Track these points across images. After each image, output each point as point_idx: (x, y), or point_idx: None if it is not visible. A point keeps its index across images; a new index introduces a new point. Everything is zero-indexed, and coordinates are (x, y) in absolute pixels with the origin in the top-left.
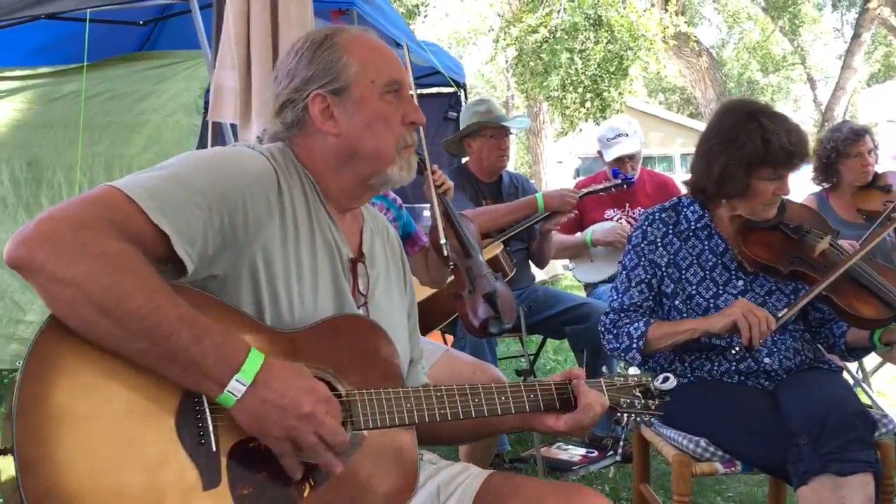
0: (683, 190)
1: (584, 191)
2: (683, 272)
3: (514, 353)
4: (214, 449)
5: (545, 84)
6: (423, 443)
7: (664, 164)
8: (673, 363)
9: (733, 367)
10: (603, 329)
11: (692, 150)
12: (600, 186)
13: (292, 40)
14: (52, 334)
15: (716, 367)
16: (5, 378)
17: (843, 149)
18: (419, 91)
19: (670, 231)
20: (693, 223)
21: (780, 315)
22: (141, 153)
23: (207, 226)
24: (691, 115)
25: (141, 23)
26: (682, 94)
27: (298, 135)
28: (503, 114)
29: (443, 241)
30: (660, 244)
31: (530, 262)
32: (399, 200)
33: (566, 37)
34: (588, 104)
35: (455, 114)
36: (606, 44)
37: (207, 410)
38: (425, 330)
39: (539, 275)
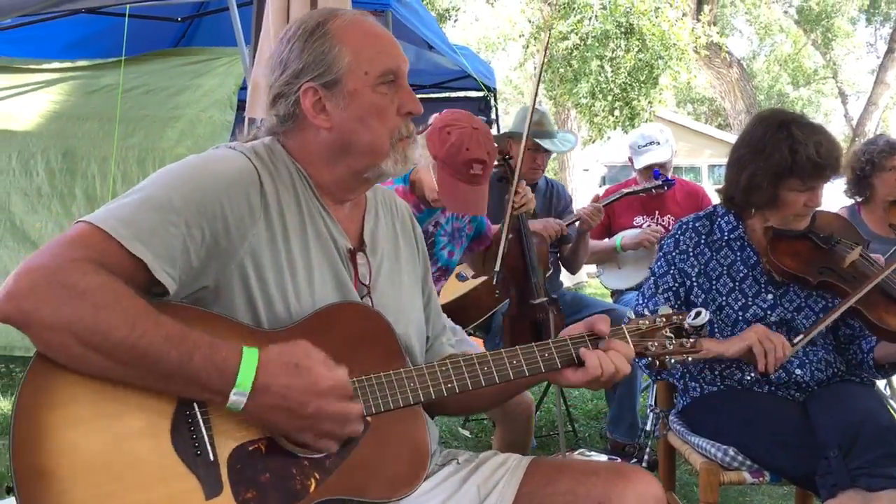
0: (714, 199)
1: (626, 190)
2: (714, 282)
3: None
4: (212, 458)
5: (574, 91)
6: (448, 414)
7: (691, 174)
8: (703, 371)
9: (764, 378)
10: None
11: (720, 161)
12: (640, 187)
13: None
14: (40, 366)
15: (746, 377)
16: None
17: (879, 161)
18: (447, 94)
19: (702, 241)
20: (727, 233)
21: (796, 342)
22: (174, 147)
23: (188, 241)
24: (720, 127)
25: (178, 19)
26: (710, 104)
27: (292, 128)
28: (554, 129)
29: (497, 268)
30: (691, 254)
31: (560, 267)
32: None
33: (597, 44)
34: (617, 112)
35: (484, 118)
36: (637, 52)
37: (200, 421)
38: (463, 323)
39: (564, 281)
